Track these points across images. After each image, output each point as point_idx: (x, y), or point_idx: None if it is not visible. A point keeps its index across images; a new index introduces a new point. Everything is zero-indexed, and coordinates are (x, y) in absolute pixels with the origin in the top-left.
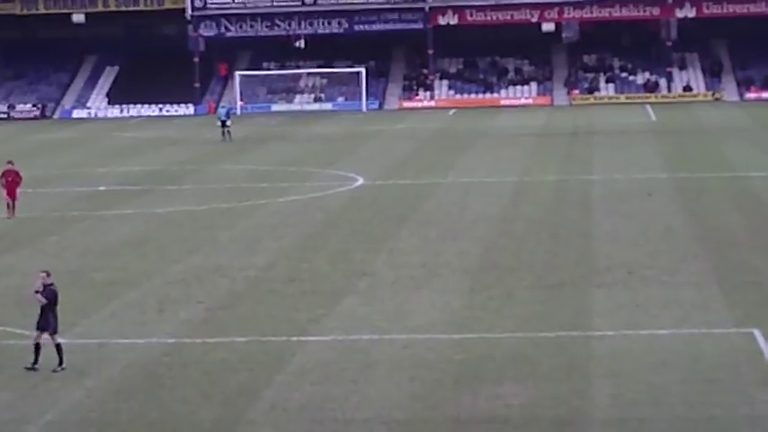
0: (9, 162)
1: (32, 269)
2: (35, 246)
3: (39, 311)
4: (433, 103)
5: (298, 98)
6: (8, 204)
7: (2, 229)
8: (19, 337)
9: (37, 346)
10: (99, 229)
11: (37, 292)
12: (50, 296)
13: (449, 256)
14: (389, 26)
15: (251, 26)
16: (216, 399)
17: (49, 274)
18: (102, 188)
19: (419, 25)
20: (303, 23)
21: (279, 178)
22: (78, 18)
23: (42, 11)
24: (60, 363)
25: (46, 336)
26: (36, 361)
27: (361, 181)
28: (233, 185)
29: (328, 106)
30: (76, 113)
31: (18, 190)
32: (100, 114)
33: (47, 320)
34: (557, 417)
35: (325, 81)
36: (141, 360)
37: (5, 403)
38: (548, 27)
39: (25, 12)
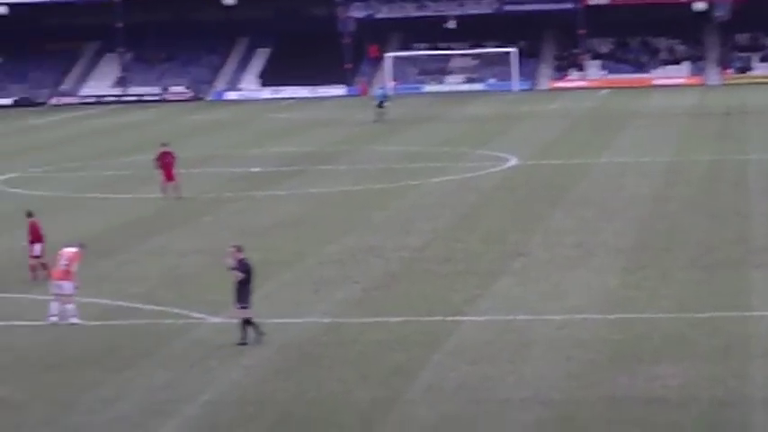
0: (164, 144)
1: (187, 249)
2: (189, 226)
3: (236, 287)
4: (584, 83)
5: (448, 79)
6: (163, 186)
7: (157, 209)
8: (176, 316)
9: (245, 321)
10: (253, 209)
11: (233, 268)
12: (245, 269)
13: (604, 236)
14: (540, 6)
15: (401, 7)
16: (372, 378)
17: (239, 249)
18: (255, 169)
19: (570, 5)
20: (453, 4)
21: (431, 159)
22: (229, 0)
23: None
24: (244, 338)
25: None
26: (245, 337)
27: (514, 161)
28: (386, 166)
29: (479, 87)
30: (228, 95)
31: (174, 171)
32: (252, 96)
33: (241, 294)
34: (714, 397)
35: (476, 62)
36: (297, 340)
37: (164, 383)
38: (699, 6)
39: None
